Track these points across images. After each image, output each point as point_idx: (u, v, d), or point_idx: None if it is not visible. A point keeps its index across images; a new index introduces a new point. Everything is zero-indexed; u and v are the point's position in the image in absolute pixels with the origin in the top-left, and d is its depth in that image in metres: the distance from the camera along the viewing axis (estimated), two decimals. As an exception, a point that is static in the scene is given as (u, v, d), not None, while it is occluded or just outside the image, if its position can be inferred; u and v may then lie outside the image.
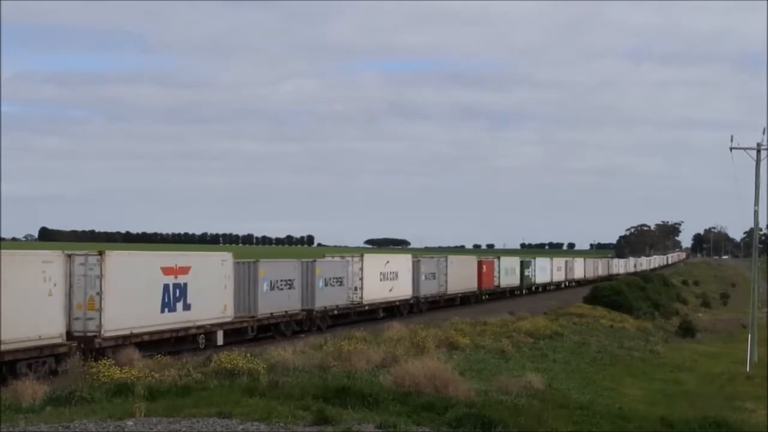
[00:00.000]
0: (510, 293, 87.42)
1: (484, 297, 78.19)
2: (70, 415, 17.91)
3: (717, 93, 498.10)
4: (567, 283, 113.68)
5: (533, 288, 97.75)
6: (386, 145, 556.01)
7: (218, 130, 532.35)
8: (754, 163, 54.77)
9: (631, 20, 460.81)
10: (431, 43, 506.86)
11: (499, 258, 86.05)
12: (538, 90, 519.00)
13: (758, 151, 54.45)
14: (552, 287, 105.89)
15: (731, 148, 54.85)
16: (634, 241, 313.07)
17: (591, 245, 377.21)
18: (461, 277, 71.18)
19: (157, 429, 16.68)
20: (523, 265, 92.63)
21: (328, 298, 48.02)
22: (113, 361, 26.81)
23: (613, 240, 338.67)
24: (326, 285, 47.60)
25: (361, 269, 52.53)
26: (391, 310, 57.43)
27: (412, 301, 60.65)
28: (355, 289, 51.94)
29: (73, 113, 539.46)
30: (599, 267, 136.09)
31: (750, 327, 55.07)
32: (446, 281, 67.38)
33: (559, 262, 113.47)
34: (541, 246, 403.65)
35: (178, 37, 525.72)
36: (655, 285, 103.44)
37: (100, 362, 25.78)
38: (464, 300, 72.50)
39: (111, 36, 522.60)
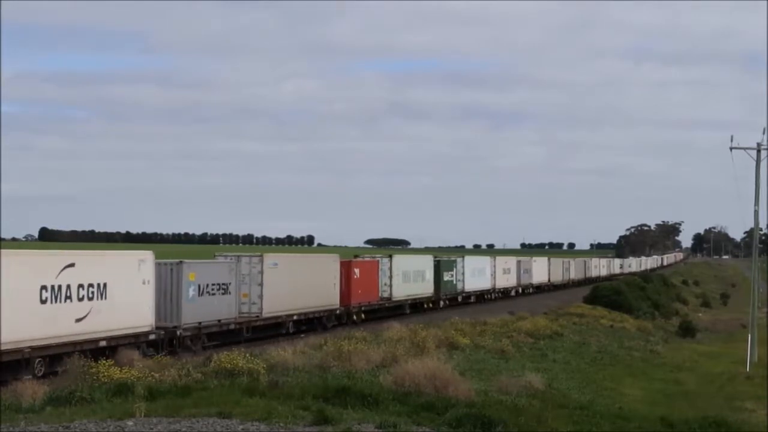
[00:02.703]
0: (414, 307, 61.99)
1: (355, 318, 52.21)
2: (70, 415, 17.91)
3: (718, 93, 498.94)
4: (520, 290, 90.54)
5: (460, 298, 71.75)
6: (386, 145, 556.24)
7: (218, 130, 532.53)
8: (754, 163, 54.84)
9: (632, 20, 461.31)
10: (431, 43, 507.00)
11: (390, 257, 59.59)
12: (538, 90, 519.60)
13: (758, 151, 54.45)
14: (495, 295, 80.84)
15: (731, 148, 54.88)
16: (635, 241, 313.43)
17: (591, 245, 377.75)
18: (302, 288, 45.86)
19: (157, 429, 16.68)
20: (441, 267, 66.71)
21: None
22: (113, 361, 26.81)
23: (614, 240, 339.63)
24: None
25: None
26: (102, 352, 30.52)
27: (154, 336, 34.59)
28: None
29: (73, 113, 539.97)
30: (572, 269, 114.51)
31: (750, 327, 55.03)
32: (261, 297, 42.84)
33: (508, 262, 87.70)
34: (541, 246, 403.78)
35: (178, 37, 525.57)
36: (655, 285, 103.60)
37: (100, 362, 25.81)
38: (310, 323, 47.50)
39: (111, 36, 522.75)
